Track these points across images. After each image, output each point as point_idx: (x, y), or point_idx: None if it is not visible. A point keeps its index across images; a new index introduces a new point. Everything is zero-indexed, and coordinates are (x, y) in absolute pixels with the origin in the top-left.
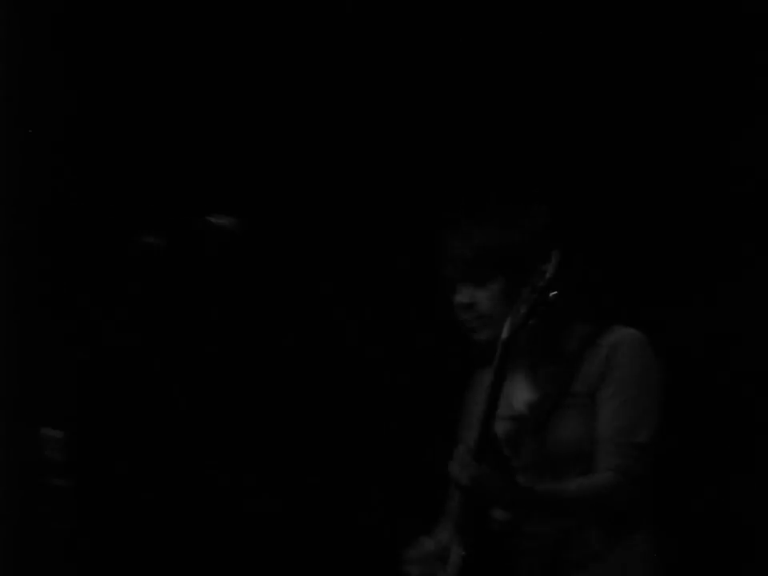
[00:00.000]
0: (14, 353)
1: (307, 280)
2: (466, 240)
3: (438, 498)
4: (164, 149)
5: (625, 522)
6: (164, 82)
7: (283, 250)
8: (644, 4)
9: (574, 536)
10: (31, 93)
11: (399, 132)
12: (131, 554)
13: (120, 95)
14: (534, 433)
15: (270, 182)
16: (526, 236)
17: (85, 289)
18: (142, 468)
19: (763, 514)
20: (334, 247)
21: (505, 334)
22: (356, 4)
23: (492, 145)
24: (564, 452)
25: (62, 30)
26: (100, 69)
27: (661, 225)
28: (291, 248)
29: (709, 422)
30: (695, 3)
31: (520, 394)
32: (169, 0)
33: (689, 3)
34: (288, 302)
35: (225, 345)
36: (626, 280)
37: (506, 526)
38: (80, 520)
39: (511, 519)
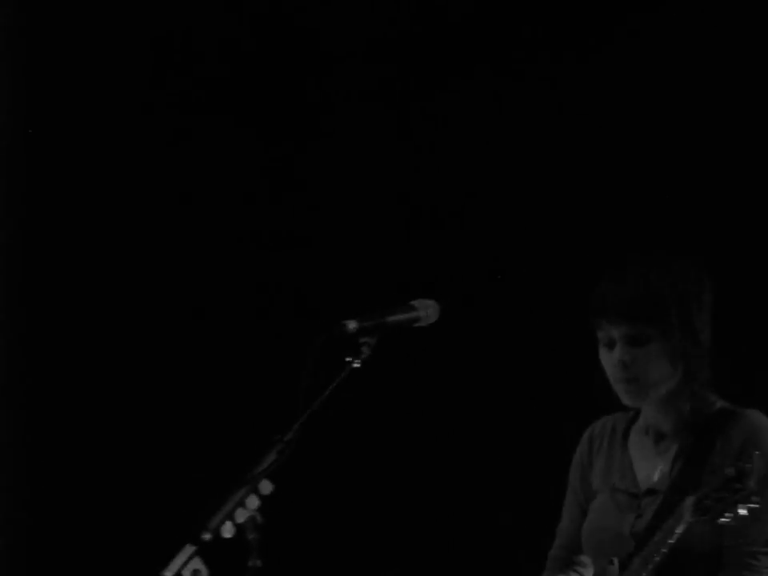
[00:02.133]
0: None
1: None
2: (633, 288)
3: None
4: None
5: None
6: None
7: None
8: None
9: None
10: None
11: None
12: None
13: None
14: (659, 523)
15: None
16: (691, 289)
17: None
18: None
19: None
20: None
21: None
22: None
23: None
24: (689, 556)
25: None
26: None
27: None
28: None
29: None
30: None
31: (642, 468)
32: None
33: None
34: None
35: None
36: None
37: None
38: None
39: None
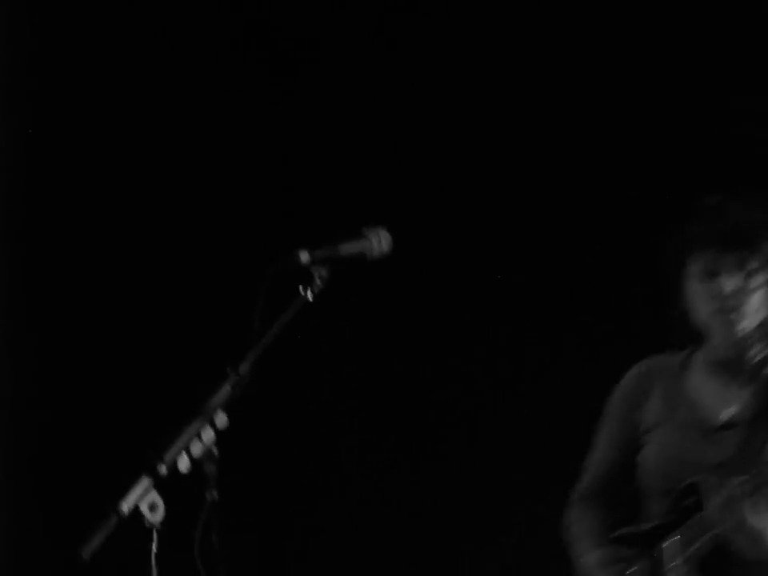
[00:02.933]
0: None
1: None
2: (734, 219)
3: None
4: None
5: None
6: None
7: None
8: None
9: None
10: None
11: None
12: None
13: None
14: (740, 452)
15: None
16: None
17: None
18: None
19: None
20: None
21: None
22: None
23: None
24: None
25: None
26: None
27: None
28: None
29: None
30: None
31: (723, 405)
32: None
33: None
34: None
35: None
36: None
37: None
38: None
39: None
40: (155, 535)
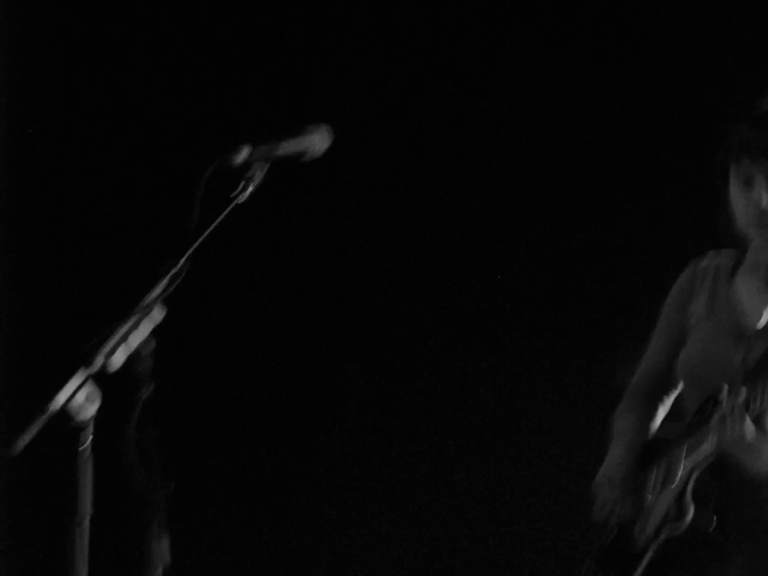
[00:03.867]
0: None
1: None
2: None
3: None
4: None
5: None
6: None
7: None
8: None
9: None
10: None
11: None
12: None
13: None
14: None
15: None
16: None
17: None
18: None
19: None
20: None
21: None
22: None
23: None
24: None
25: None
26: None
27: None
28: None
29: None
30: None
31: (760, 306)
32: None
33: None
34: None
35: None
36: None
37: None
38: None
39: None
40: (90, 429)
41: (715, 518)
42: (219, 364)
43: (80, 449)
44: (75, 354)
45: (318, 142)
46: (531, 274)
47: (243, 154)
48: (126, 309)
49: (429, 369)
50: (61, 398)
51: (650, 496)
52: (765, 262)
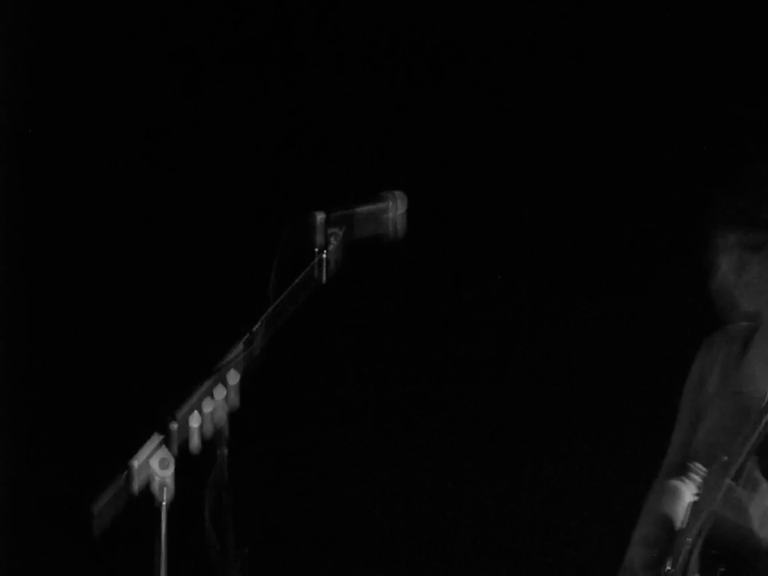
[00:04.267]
0: None
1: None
2: (745, 195)
3: None
4: None
5: None
6: None
7: None
8: None
9: None
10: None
11: None
12: None
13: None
14: None
15: None
16: None
17: None
18: None
19: None
20: None
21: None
22: None
23: None
24: None
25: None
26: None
27: None
28: None
29: None
30: None
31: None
32: None
33: None
34: None
35: None
36: None
37: None
38: None
39: None
40: (165, 491)
41: None
42: (293, 429)
43: (157, 512)
44: (151, 417)
45: (393, 207)
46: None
47: (319, 219)
48: (201, 373)
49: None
50: (137, 460)
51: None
52: None
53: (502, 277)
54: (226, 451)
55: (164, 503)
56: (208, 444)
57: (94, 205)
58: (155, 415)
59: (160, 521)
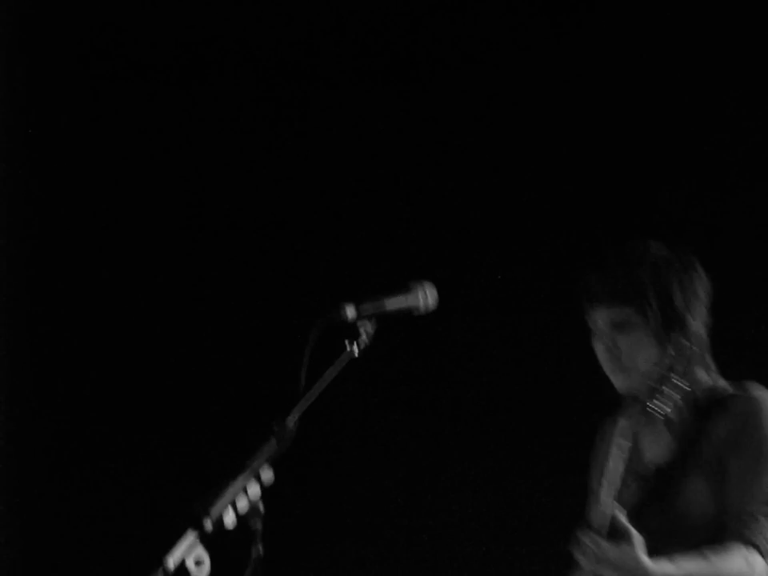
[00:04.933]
0: None
1: None
2: (611, 273)
3: None
4: None
5: None
6: None
7: None
8: None
9: None
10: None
11: None
12: None
13: None
14: (660, 497)
15: None
16: (672, 271)
17: None
18: None
19: None
20: None
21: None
22: None
23: None
24: (691, 521)
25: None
26: None
27: None
28: None
29: None
30: None
31: (652, 449)
32: None
33: None
34: None
35: None
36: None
37: None
38: None
39: None
40: None
41: None
42: (328, 523)
43: None
44: (186, 514)
45: (423, 299)
46: None
47: (350, 311)
48: (234, 470)
49: None
50: (172, 558)
51: None
52: (634, 407)
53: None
54: (261, 549)
55: None
56: (243, 541)
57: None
58: (189, 513)
59: None
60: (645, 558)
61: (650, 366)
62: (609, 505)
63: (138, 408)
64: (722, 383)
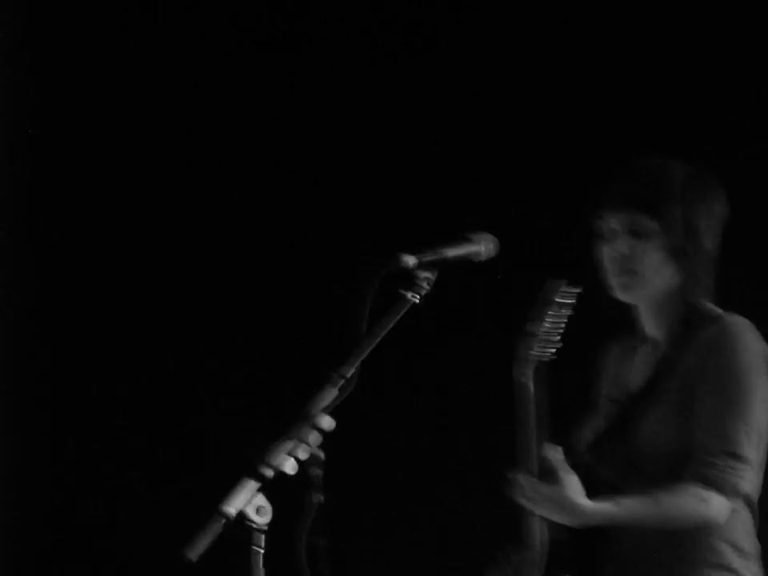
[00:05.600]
0: None
1: None
2: (639, 179)
3: None
4: None
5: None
6: None
7: None
8: None
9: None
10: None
11: None
12: None
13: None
14: (623, 426)
15: None
16: (701, 192)
17: None
18: None
19: None
20: None
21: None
22: None
23: None
24: (650, 454)
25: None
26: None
27: None
28: None
29: None
30: None
31: (634, 374)
32: None
33: None
34: None
35: None
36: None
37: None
38: None
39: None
40: (263, 539)
41: None
42: (385, 472)
43: (253, 556)
44: (247, 463)
45: (485, 249)
46: None
47: (411, 263)
48: (293, 419)
49: None
50: (233, 506)
51: None
52: (650, 332)
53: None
54: (321, 497)
55: (261, 551)
56: (303, 490)
57: (114, 214)
58: (252, 461)
59: (256, 568)
60: (580, 499)
61: (658, 281)
62: (536, 444)
63: (201, 358)
64: (715, 311)
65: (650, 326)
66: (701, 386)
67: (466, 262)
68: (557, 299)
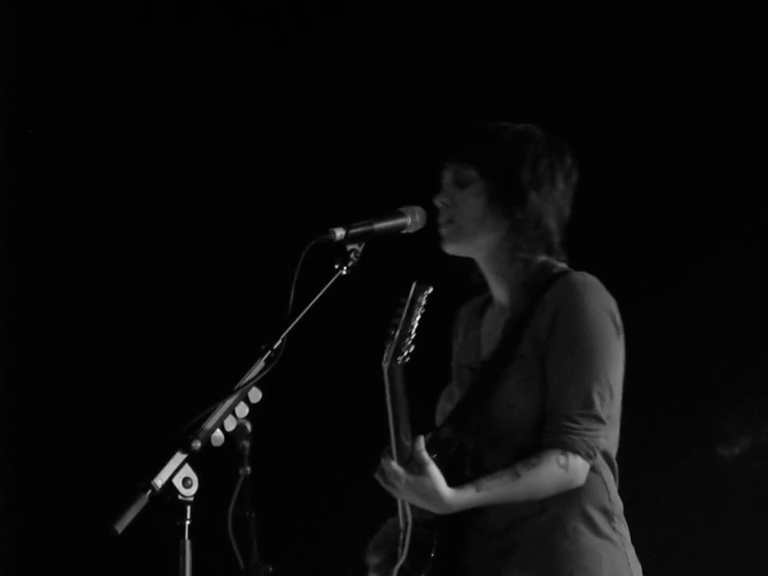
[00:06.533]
0: None
1: None
2: (468, 136)
3: None
4: None
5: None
6: None
7: None
8: None
9: (520, 528)
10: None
11: None
12: None
13: None
14: (479, 397)
15: None
16: (532, 149)
17: None
18: None
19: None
20: None
21: (385, 362)
22: None
23: None
24: (509, 425)
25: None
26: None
27: None
28: None
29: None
30: None
31: (488, 340)
32: None
33: None
34: None
35: None
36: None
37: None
38: None
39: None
40: (188, 510)
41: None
42: (316, 444)
43: (179, 529)
44: (173, 435)
45: (412, 221)
46: None
47: (339, 235)
48: (222, 391)
49: None
50: (160, 478)
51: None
52: (496, 296)
53: None
54: (248, 470)
55: (187, 522)
56: (230, 462)
57: (109, 212)
58: (178, 433)
59: (183, 539)
60: (441, 488)
61: (481, 232)
62: (405, 433)
63: (126, 328)
64: (557, 268)
65: (494, 285)
66: (550, 350)
67: (394, 234)
68: (412, 297)
